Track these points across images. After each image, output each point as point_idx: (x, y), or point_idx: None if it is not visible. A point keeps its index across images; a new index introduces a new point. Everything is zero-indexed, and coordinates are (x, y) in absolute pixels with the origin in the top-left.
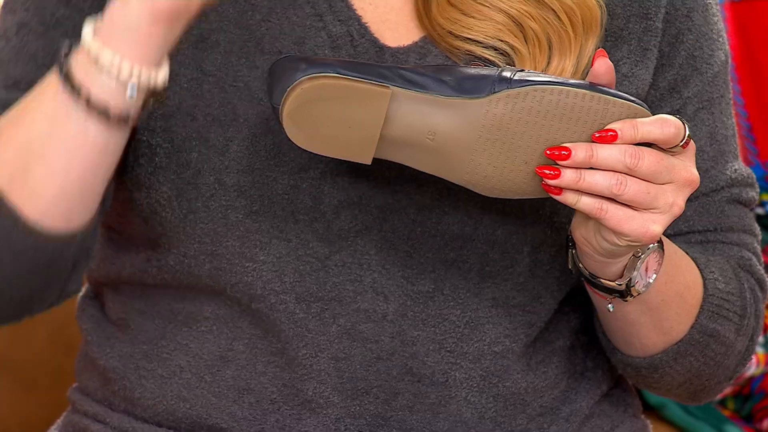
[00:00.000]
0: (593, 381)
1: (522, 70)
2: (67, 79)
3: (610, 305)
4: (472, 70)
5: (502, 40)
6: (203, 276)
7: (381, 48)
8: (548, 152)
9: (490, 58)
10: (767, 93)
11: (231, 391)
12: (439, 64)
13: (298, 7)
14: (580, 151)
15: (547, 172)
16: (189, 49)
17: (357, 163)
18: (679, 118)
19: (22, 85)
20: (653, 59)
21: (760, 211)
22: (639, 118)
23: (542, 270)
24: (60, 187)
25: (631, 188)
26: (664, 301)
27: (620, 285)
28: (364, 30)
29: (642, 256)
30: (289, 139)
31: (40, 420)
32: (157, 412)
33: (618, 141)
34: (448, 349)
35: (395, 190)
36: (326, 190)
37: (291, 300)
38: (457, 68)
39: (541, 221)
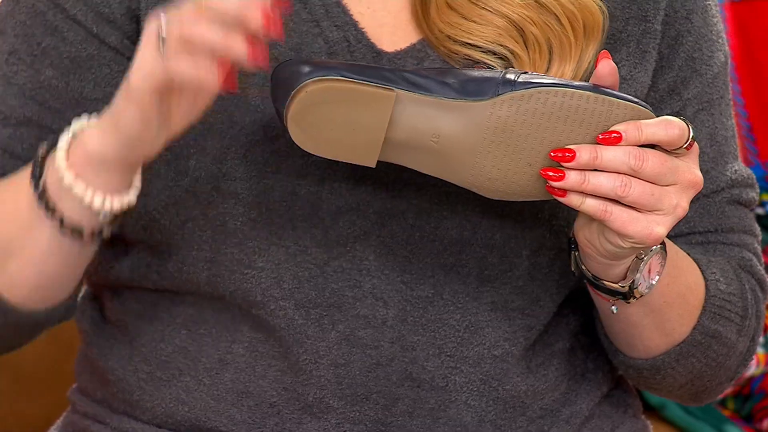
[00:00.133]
0: (593, 382)
1: (525, 72)
2: (42, 197)
3: (614, 307)
4: (476, 73)
5: (501, 45)
6: (202, 283)
7: (378, 53)
8: (552, 154)
9: (489, 62)
10: (767, 93)
11: (230, 394)
12: (441, 67)
13: (295, 13)
14: (584, 153)
15: (552, 174)
16: None
17: (354, 169)
18: (683, 119)
19: (12, 120)
20: (652, 61)
21: (760, 211)
22: (643, 119)
23: (541, 273)
24: (35, 283)
25: (636, 190)
26: (666, 302)
27: (623, 287)
28: (360, 35)
29: (645, 258)
30: (290, 144)
31: (40, 420)
32: (156, 415)
33: (622, 143)
34: (448, 353)
35: (393, 196)
36: (324, 196)
37: (290, 306)
38: (460, 70)
39: (540, 225)
